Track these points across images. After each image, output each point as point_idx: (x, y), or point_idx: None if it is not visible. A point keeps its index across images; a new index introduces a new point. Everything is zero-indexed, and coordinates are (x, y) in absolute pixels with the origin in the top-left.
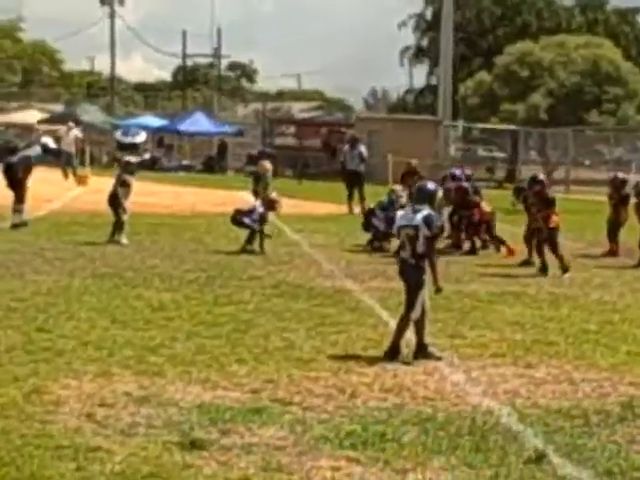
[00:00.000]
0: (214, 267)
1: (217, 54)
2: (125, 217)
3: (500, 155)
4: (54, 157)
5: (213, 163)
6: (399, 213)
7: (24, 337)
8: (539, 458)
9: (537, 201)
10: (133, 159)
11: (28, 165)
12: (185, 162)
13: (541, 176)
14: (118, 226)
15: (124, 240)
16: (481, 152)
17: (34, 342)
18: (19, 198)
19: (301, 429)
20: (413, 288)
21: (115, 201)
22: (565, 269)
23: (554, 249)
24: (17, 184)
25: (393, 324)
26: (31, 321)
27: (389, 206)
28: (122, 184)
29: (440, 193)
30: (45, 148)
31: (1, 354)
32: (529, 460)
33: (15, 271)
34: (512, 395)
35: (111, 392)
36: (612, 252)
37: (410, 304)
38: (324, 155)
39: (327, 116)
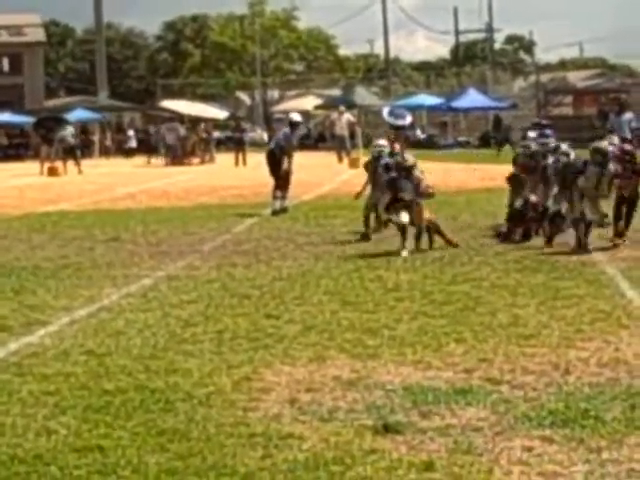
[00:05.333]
0: (462, 244)
1: (489, 28)
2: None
3: None
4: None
5: (489, 138)
6: None
7: (251, 324)
8: None
9: None
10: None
11: (287, 150)
12: (461, 138)
13: None
14: None
15: None
16: None
17: (259, 329)
18: (279, 185)
19: (504, 408)
20: None
21: None
22: None
23: None
24: (278, 171)
25: (631, 295)
26: (262, 308)
27: None
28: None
29: None
30: (291, 122)
31: (224, 342)
32: None
33: (263, 258)
34: None
35: (321, 376)
36: None
37: None
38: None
39: (606, 83)
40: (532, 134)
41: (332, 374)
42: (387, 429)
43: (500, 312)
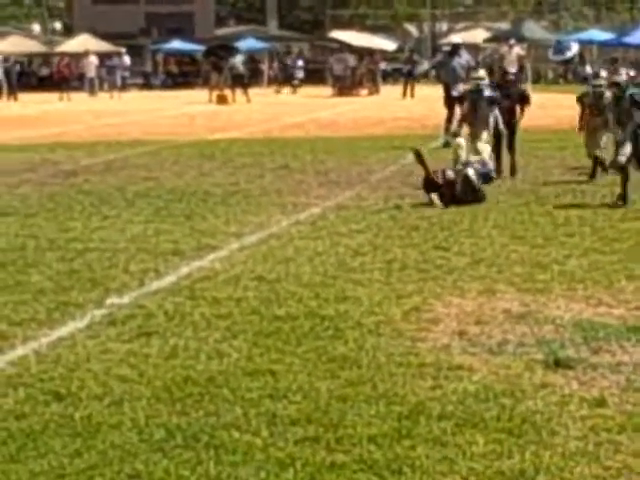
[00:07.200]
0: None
1: None
2: None
3: None
4: None
5: None
6: None
7: (420, 255)
8: None
9: None
10: None
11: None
12: (633, 74)
13: None
14: None
15: None
16: None
17: (428, 260)
18: (450, 117)
19: None
20: None
21: None
22: None
23: None
24: (448, 101)
25: None
26: (431, 239)
27: None
28: None
29: None
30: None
31: (393, 272)
32: None
33: None
34: None
35: (491, 309)
36: None
37: None
38: None
39: None
40: (604, 73)
41: (501, 307)
42: (558, 364)
43: None
